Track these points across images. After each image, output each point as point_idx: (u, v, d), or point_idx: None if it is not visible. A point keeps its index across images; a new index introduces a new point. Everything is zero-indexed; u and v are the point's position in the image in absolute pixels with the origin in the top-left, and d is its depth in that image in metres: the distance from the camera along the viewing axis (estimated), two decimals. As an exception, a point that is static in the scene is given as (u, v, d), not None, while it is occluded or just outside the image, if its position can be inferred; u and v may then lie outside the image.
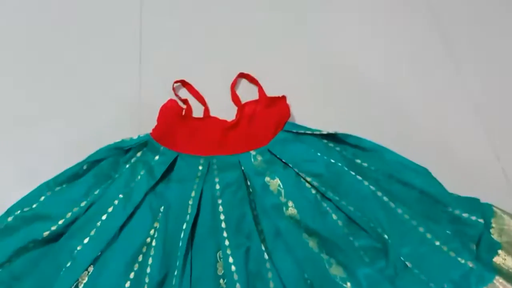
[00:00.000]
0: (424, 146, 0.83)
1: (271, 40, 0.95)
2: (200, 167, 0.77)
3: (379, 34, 0.96)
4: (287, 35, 0.95)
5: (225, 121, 0.84)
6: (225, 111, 0.85)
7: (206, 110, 0.86)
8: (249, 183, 0.76)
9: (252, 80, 0.89)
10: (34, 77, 0.89)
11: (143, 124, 0.82)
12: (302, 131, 0.81)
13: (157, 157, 0.77)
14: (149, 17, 0.95)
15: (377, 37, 0.95)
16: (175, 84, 0.88)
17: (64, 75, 0.90)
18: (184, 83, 0.89)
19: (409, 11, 0.98)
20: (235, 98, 0.87)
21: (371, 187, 0.74)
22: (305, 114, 0.86)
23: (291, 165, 0.77)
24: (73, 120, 0.85)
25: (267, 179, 0.76)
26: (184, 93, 0.89)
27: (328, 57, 0.93)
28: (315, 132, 0.80)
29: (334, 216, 0.73)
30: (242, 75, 0.90)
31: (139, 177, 0.75)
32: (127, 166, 0.77)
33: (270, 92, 0.86)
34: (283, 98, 0.84)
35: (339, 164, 0.77)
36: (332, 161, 0.78)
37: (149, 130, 0.80)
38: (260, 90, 0.87)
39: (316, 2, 0.99)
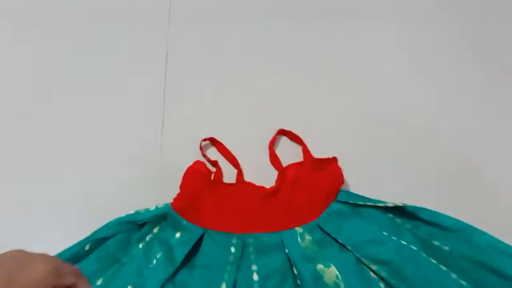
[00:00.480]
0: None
1: (314, 92, 0.80)
2: (233, 249, 0.61)
3: (431, 85, 0.80)
4: (332, 87, 0.81)
5: (263, 187, 0.68)
6: (262, 175, 0.70)
7: (240, 174, 0.71)
8: (295, 272, 0.58)
9: (294, 138, 0.74)
10: (46, 124, 0.77)
11: (162, 191, 0.66)
12: (361, 202, 0.64)
13: (178, 235, 0.61)
14: (174, 64, 0.82)
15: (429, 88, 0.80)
16: (203, 143, 0.74)
17: (77, 128, 0.76)
18: (213, 142, 0.74)
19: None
20: (275, 160, 0.72)
21: (461, 281, 0.56)
22: (357, 181, 0.70)
23: (350, 248, 0.60)
24: (79, 183, 0.71)
25: (320, 267, 0.58)
26: (213, 153, 0.74)
27: (379, 113, 0.78)
28: (377, 204, 0.63)
29: (411, 320, 0.55)
30: (282, 132, 0.75)
31: (154, 261, 0.59)
32: (141, 246, 0.61)
33: (314, 154, 0.71)
34: (334, 160, 0.68)
35: (413, 247, 0.60)
36: (403, 243, 0.60)
37: (170, 199, 0.64)
38: (305, 150, 0.71)
39: (366, 58, 0.85)
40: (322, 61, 0.82)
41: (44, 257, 0.38)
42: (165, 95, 0.79)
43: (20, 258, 0.36)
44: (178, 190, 0.66)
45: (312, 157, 0.70)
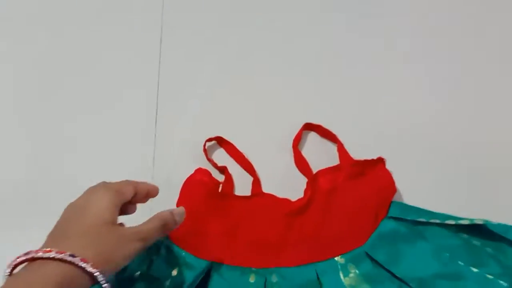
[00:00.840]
0: None
1: (349, 79, 0.63)
2: (251, 290, 0.45)
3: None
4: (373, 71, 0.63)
5: (288, 201, 0.52)
6: (286, 185, 0.54)
7: (256, 183, 0.54)
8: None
9: (326, 134, 0.57)
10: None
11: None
12: (423, 219, 0.47)
13: (175, 272, 0.46)
14: (168, 63, 0.65)
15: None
16: (208, 144, 0.57)
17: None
18: (221, 142, 0.58)
19: None
20: (302, 163, 0.55)
21: None
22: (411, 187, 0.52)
23: (413, 286, 0.43)
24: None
25: (373, 314, 0.42)
26: (220, 157, 0.57)
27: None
28: (447, 222, 0.46)
29: None
30: (309, 127, 0.58)
31: None
32: None
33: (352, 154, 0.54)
34: (381, 161, 0.51)
35: (502, 283, 0.42)
36: (489, 276, 0.43)
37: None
38: (341, 149, 0.54)
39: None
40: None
41: (103, 184, 0.40)
42: (158, 94, 0.63)
43: (85, 195, 0.39)
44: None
45: (351, 158, 0.53)
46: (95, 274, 0.32)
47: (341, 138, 0.56)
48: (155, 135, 0.59)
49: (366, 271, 0.45)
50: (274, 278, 0.45)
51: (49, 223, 0.37)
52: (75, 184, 0.54)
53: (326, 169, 0.52)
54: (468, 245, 0.45)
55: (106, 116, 0.61)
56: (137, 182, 0.42)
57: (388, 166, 0.52)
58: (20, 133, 0.61)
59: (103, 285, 0.33)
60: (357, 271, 0.45)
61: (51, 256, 0.31)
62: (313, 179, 0.52)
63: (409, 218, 0.47)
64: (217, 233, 0.48)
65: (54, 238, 0.35)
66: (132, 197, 0.40)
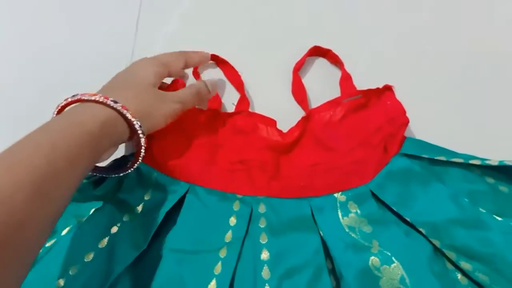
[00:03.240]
0: None
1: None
2: (233, 221, 0.38)
3: None
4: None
5: (275, 126, 0.44)
6: (279, 114, 0.46)
7: (243, 101, 0.46)
8: (330, 266, 0.36)
9: (335, 60, 0.49)
10: None
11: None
12: (443, 158, 0.39)
13: (148, 196, 0.39)
14: None
15: None
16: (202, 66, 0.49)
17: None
18: (218, 61, 0.50)
19: None
20: (300, 92, 0.47)
21: None
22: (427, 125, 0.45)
23: (424, 232, 0.36)
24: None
25: (374, 261, 0.35)
26: (214, 75, 0.50)
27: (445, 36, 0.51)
28: (471, 162, 0.39)
29: None
30: (316, 51, 0.50)
31: (106, 240, 0.37)
32: (92, 212, 0.39)
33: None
34: (389, 89, 0.44)
35: (532, 234, 0.35)
36: (516, 226, 0.36)
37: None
38: (345, 78, 0.46)
39: None
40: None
41: (152, 57, 0.42)
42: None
43: (134, 64, 0.41)
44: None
45: (355, 88, 0.45)
46: (133, 122, 0.34)
47: (350, 68, 0.48)
48: (133, 47, 0.51)
49: (369, 212, 0.38)
50: (262, 208, 0.38)
51: None
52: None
53: (325, 103, 0.45)
54: (493, 191, 0.38)
55: (85, 24, 0.53)
56: (187, 53, 0.45)
57: (402, 98, 0.44)
58: None
59: (140, 135, 0.35)
60: (358, 211, 0.38)
61: (95, 99, 0.33)
62: (310, 113, 0.44)
63: (426, 156, 0.40)
64: (197, 153, 0.41)
65: (100, 91, 0.36)
66: (181, 67, 0.43)
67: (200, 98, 0.42)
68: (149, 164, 0.40)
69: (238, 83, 0.47)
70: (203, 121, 0.43)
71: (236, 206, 0.39)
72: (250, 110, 0.46)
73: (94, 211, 0.38)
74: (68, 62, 0.51)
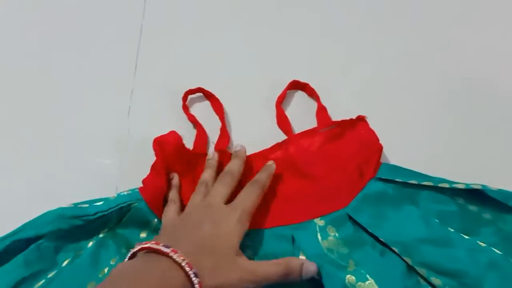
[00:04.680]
0: None
1: (335, 40, 0.58)
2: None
3: None
4: (362, 36, 0.58)
5: (258, 154, 0.48)
6: (265, 144, 0.49)
7: (223, 138, 0.50)
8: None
9: (312, 93, 0.53)
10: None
11: (130, 171, 0.47)
12: (415, 181, 0.43)
13: (144, 235, 0.42)
14: (152, 4, 0.62)
15: None
16: (190, 97, 0.54)
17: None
18: (205, 94, 0.53)
19: None
20: (283, 123, 0.51)
21: None
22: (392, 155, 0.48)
23: (397, 251, 0.39)
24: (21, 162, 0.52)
25: (350, 278, 0.38)
26: (200, 110, 0.54)
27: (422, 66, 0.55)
28: (440, 185, 0.42)
29: None
30: (295, 85, 0.54)
31: (106, 270, 0.40)
32: (90, 244, 0.42)
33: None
34: (362, 119, 0.47)
35: (496, 250, 0.39)
36: (481, 244, 0.39)
37: (139, 183, 0.45)
38: (321, 110, 0.50)
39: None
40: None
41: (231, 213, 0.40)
42: (140, 42, 0.59)
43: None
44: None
45: (330, 119, 0.49)
46: None
47: (326, 100, 0.52)
48: (132, 86, 0.56)
49: (346, 235, 0.41)
50: (246, 240, 0.41)
51: None
52: (47, 131, 0.52)
53: (303, 132, 0.48)
54: (463, 211, 0.41)
55: (84, 64, 0.58)
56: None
57: (378, 127, 0.48)
58: None
59: None
60: (336, 234, 0.41)
61: (173, 257, 0.32)
62: (288, 140, 0.48)
63: (399, 180, 0.43)
64: (187, 195, 0.45)
65: (171, 234, 0.36)
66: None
67: (287, 280, 0.37)
68: (150, 206, 0.43)
69: (221, 116, 0.51)
70: (189, 163, 0.46)
71: None
72: (229, 145, 0.50)
73: (94, 243, 0.42)
74: (69, 105, 0.55)
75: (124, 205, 0.43)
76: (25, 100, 0.56)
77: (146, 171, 0.45)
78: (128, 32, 0.59)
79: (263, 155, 0.47)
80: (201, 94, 0.54)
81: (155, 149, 0.46)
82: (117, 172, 0.49)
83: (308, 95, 0.54)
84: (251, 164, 0.47)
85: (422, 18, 0.57)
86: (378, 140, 0.46)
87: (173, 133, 0.47)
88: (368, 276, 0.38)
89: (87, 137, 0.53)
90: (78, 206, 0.43)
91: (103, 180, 0.49)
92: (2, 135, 0.54)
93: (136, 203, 0.43)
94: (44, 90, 0.56)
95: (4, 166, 0.52)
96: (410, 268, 0.39)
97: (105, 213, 0.42)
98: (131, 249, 0.35)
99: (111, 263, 0.40)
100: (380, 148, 0.45)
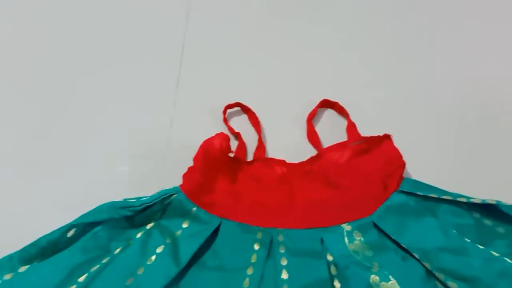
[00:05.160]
0: None
1: (363, 61, 0.64)
2: (257, 246, 0.46)
3: None
4: (385, 57, 0.64)
5: (296, 165, 0.53)
6: (296, 157, 0.54)
7: (260, 148, 0.55)
8: (339, 285, 0.43)
9: (341, 111, 0.58)
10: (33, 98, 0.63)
11: (171, 175, 0.51)
12: (435, 195, 0.47)
13: (186, 224, 0.47)
14: (193, 24, 0.68)
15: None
16: (229, 111, 0.59)
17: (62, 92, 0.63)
18: (243, 108, 0.59)
19: None
20: (314, 138, 0.56)
21: None
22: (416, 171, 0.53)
23: (417, 256, 0.43)
24: (68, 161, 0.57)
25: (374, 278, 0.42)
26: (237, 123, 0.59)
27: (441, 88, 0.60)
28: (458, 199, 0.46)
29: None
30: (325, 104, 0.59)
31: (153, 257, 0.45)
32: (138, 235, 0.47)
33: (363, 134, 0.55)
34: (387, 137, 0.52)
35: (508, 260, 0.42)
36: (495, 254, 0.43)
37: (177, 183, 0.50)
38: (351, 125, 0.55)
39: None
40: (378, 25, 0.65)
41: None
42: (183, 56, 0.65)
43: None
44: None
45: (359, 135, 0.54)
46: None
47: (356, 116, 0.57)
48: (175, 97, 0.61)
49: (371, 240, 0.45)
50: (281, 238, 0.46)
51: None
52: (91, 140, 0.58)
53: (334, 145, 0.53)
54: (478, 224, 0.45)
55: (128, 74, 0.63)
56: None
57: (402, 144, 0.52)
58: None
59: None
60: (362, 239, 0.45)
61: None
62: (320, 153, 0.53)
63: (420, 193, 0.47)
64: (225, 194, 0.50)
65: None
66: None
67: None
68: (188, 196, 0.48)
69: (257, 128, 0.56)
70: (230, 167, 0.52)
71: (259, 235, 0.46)
72: (265, 154, 0.55)
73: (142, 234, 0.47)
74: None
75: (165, 196, 0.48)
76: (76, 108, 0.61)
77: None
78: (171, 50, 0.65)
79: (300, 166, 0.52)
80: (239, 108, 0.59)
81: (200, 148, 0.51)
82: (161, 177, 0.54)
83: (338, 113, 0.59)
84: (288, 174, 0.51)
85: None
86: (401, 156, 0.50)
87: (221, 134, 0.52)
88: (390, 277, 0.42)
89: (130, 145, 0.58)
90: (127, 200, 0.48)
91: (146, 185, 0.53)
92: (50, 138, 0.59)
93: (176, 195, 0.48)
94: (92, 101, 0.62)
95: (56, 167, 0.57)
96: (429, 273, 0.43)
97: (149, 204, 0.47)
98: None
99: (157, 251, 0.45)
100: (403, 164, 0.50)
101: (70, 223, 0.47)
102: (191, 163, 0.51)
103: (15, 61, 0.65)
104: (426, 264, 0.43)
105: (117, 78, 0.63)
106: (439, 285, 0.42)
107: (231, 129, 0.57)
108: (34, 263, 0.45)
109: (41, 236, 0.46)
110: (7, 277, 0.44)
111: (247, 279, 0.42)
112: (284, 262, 0.44)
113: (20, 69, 0.65)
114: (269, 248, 0.45)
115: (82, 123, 0.60)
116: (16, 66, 0.65)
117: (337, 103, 0.58)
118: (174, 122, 0.59)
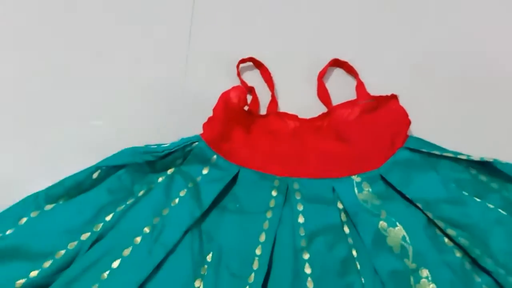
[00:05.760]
0: None
1: (378, 21, 0.66)
2: (274, 193, 0.49)
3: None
4: (398, 18, 0.66)
5: (308, 120, 0.56)
6: (306, 112, 0.57)
7: (273, 103, 0.58)
8: (348, 230, 0.47)
9: (350, 70, 0.60)
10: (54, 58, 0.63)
11: (187, 125, 0.53)
12: (437, 152, 0.51)
13: (206, 171, 0.49)
14: None
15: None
16: (241, 65, 0.60)
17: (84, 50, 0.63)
18: (256, 63, 0.60)
19: None
20: (324, 95, 0.58)
21: None
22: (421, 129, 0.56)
23: (420, 206, 0.48)
24: (90, 111, 0.58)
25: (382, 224, 0.46)
26: (250, 77, 0.60)
27: (450, 48, 0.63)
28: (458, 156, 0.50)
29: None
30: (336, 63, 0.61)
31: (177, 200, 0.48)
32: (160, 179, 0.49)
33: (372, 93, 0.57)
34: (394, 97, 0.55)
35: (502, 212, 0.47)
36: (490, 206, 0.48)
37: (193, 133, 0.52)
38: (360, 85, 0.58)
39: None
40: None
41: None
42: (194, 6, 0.65)
43: None
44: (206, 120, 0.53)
45: (368, 94, 0.57)
46: None
47: (364, 76, 0.59)
48: (188, 48, 0.62)
49: (379, 190, 0.49)
50: (296, 186, 0.49)
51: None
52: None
53: (344, 102, 0.56)
54: (475, 180, 0.50)
55: (141, 25, 0.64)
56: None
57: (407, 105, 0.56)
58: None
59: None
60: (370, 189, 0.49)
61: None
62: (331, 110, 0.55)
63: (424, 150, 0.51)
64: (242, 145, 0.52)
65: None
66: None
67: None
68: (209, 145, 0.50)
69: (270, 84, 0.58)
70: (246, 119, 0.54)
71: (276, 183, 0.50)
72: (277, 109, 0.57)
73: (164, 178, 0.49)
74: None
75: (187, 143, 0.50)
76: (86, 63, 0.62)
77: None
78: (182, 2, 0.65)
79: (312, 122, 0.55)
80: (251, 63, 0.61)
81: (219, 99, 0.53)
82: (176, 125, 0.56)
83: (347, 72, 0.61)
84: (301, 129, 0.54)
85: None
86: (407, 115, 0.54)
87: (239, 87, 0.54)
88: (397, 223, 0.46)
89: (145, 98, 0.59)
90: (148, 146, 0.50)
91: (162, 134, 0.55)
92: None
93: (198, 143, 0.50)
94: (107, 55, 0.62)
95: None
96: (430, 221, 0.47)
97: (171, 150, 0.49)
98: None
99: (181, 194, 0.48)
100: (408, 123, 0.53)
101: (95, 165, 0.48)
102: (205, 114, 0.53)
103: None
104: (428, 213, 0.47)
105: (130, 30, 0.63)
106: (438, 232, 0.47)
107: (244, 83, 0.58)
108: (60, 202, 0.47)
109: (66, 176, 0.48)
110: (33, 214, 0.46)
111: (267, 222, 0.46)
112: (300, 208, 0.47)
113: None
114: (286, 195, 0.48)
115: (100, 73, 0.60)
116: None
117: (346, 62, 0.60)
118: (188, 74, 0.60)
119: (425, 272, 0.43)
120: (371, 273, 0.44)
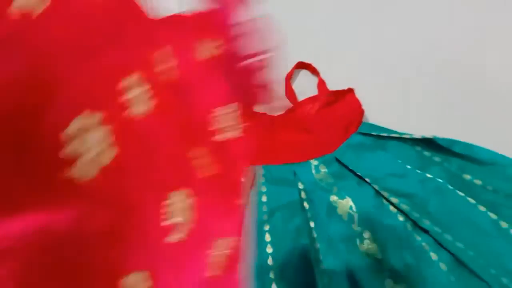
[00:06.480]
0: None
1: (340, 24, 0.74)
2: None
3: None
4: (363, 20, 0.74)
5: (277, 116, 0.64)
6: (277, 110, 0.66)
7: None
8: (307, 205, 0.55)
9: (314, 71, 0.69)
10: None
11: None
12: (385, 134, 0.58)
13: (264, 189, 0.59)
14: None
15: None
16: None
17: None
18: None
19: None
20: (290, 94, 0.67)
21: (490, 214, 0.50)
22: (384, 117, 0.63)
23: (369, 181, 0.55)
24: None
25: (333, 198, 0.54)
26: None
27: (406, 48, 0.71)
28: (403, 136, 0.57)
29: (434, 256, 0.50)
30: (301, 65, 0.70)
31: None
32: None
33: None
34: (350, 91, 0.63)
35: (440, 180, 0.54)
36: (429, 176, 0.55)
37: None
38: (321, 82, 0.66)
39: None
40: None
41: None
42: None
43: None
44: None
45: (327, 89, 0.65)
46: None
47: (325, 75, 0.68)
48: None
49: (333, 171, 0.57)
50: (261, 171, 0.58)
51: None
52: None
53: (307, 98, 0.64)
54: (418, 155, 0.57)
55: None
56: None
57: (362, 96, 0.63)
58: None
59: None
60: (326, 170, 0.57)
61: None
62: (296, 105, 0.64)
63: (374, 133, 0.59)
64: None
65: None
66: None
67: None
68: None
69: None
70: None
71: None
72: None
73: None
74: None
75: None
76: None
77: None
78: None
79: (280, 117, 0.64)
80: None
81: None
82: None
83: (311, 72, 0.69)
84: (271, 124, 0.63)
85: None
86: (361, 106, 0.62)
87: None
88: (346, 196, 0.54)
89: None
90: None
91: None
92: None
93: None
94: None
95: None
96: (377, 193, 0.54)
97: None
98: None
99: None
100: (362, 112, 0.61)
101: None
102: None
103: None
104: (375, 186, 0.54)
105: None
106: (385, 202, 0.54)
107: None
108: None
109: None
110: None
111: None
112: (264, 189, 0.56)
113: None
114: (252, 181, 0.57)
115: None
116: None
117: (310, 64, 0.69)
118: None
119: (367, 234, 0.51)
120: (326, 239, 0.52)
